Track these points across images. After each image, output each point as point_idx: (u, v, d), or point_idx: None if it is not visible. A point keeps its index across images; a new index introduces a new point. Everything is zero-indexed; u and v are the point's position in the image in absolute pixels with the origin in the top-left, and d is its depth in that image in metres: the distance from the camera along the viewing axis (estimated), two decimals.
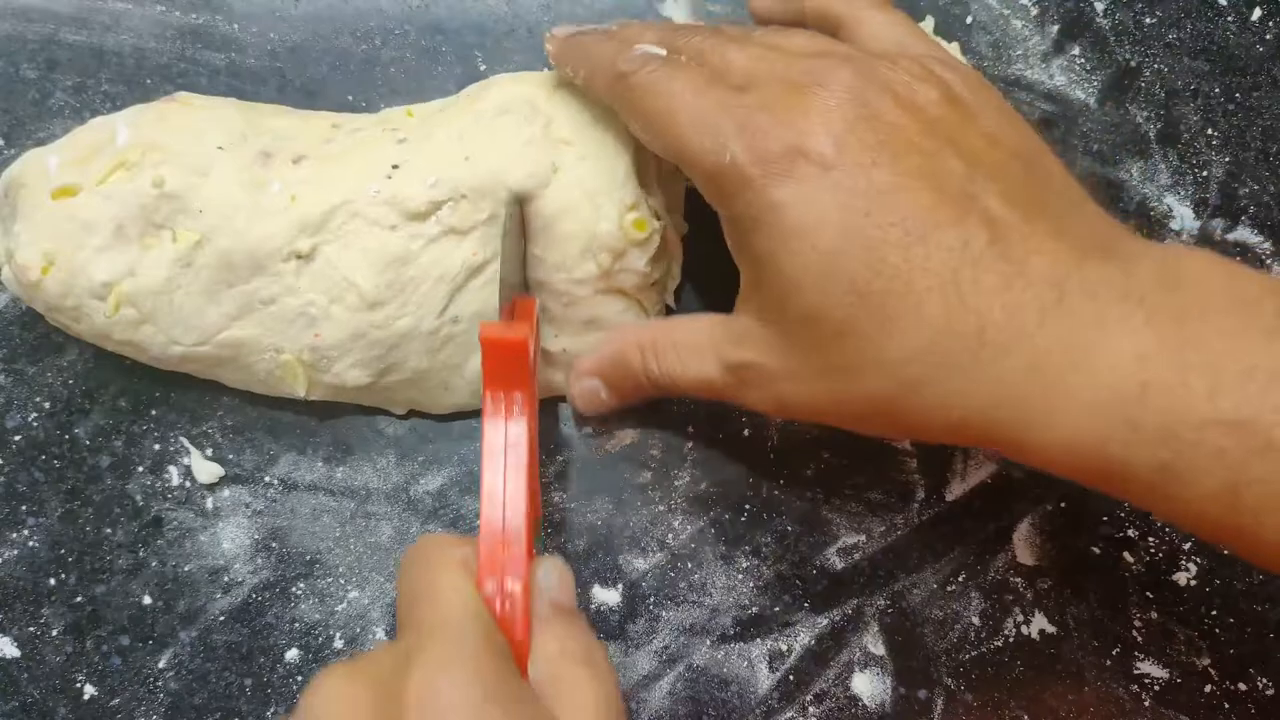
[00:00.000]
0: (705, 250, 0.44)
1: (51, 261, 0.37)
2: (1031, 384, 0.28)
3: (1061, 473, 0.29)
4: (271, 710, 0.39)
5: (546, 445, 0.41)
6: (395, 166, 0.37)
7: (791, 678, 0.40)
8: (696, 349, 0.35)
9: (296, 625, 0.40)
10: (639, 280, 0.38)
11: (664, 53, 0.35)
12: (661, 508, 0.41)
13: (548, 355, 0.40)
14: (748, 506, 0.41)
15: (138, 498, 0.40)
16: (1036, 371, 0.28)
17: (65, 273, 0.37)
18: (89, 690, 0.39)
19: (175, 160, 0.37)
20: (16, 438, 0.41)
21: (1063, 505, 0.41)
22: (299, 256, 0.37)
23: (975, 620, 0.41)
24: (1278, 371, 0.26)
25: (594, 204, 0.37)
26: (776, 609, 0.40)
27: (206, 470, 0.40)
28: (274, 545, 0.40)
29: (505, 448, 0.31)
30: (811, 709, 0.40)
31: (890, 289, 0.29)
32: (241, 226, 0.37)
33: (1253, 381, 0.26)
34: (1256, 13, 0.46)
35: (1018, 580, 0.41)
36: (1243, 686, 0.40)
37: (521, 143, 0.38)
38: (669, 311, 0.42)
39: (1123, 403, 0.27)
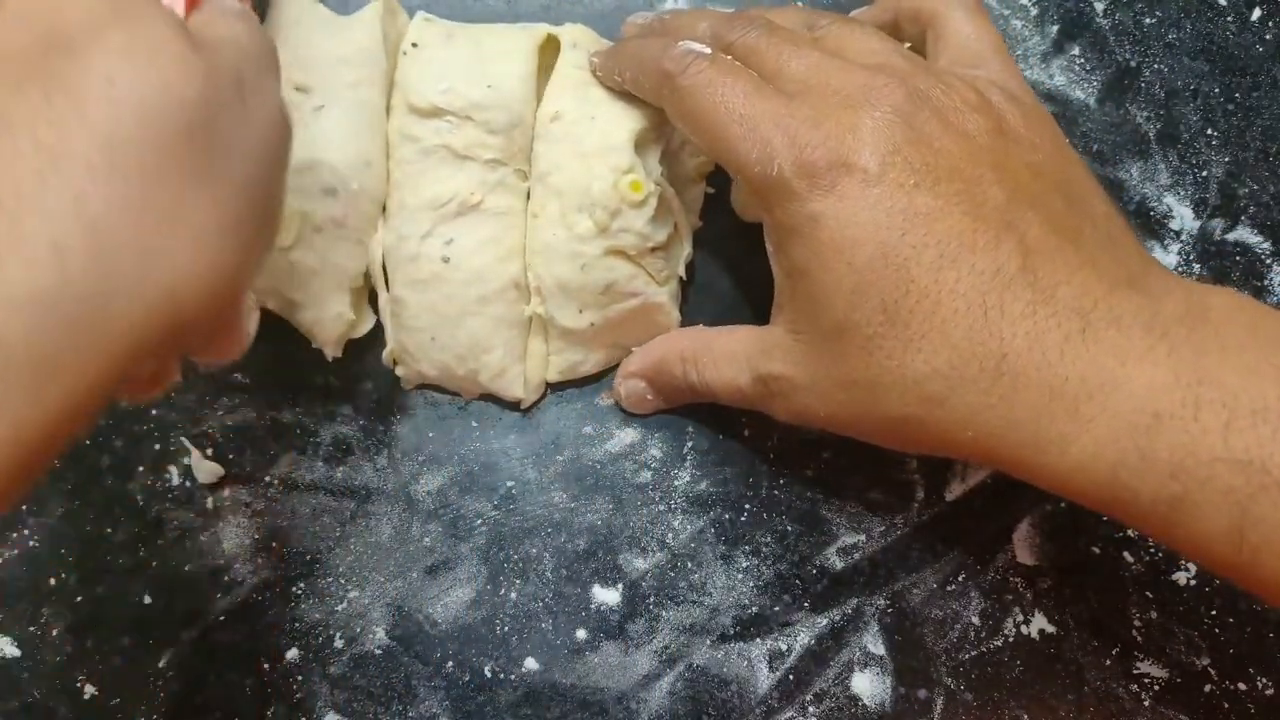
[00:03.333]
0: (725, 253, 0.43)
1: None
2: (1047, 409, 0.29)
3: (1070, 496, 0.30)
4: (271, 710, 0.39)
5: (547, 444, 0.41)
6: (414, 45, 0.39)
7: (791, 677, 0.40)
8: (731, 358, 0.36)
9: (296, 625, 0.40)
10: (638, 241, 0.38)
11: (709, 51, 0.34)
12: (661, 508, 0.41)
13: (574, 333, 0.40)
14: (748, 506, 0.41)
15: (138, 498, 0.40)
16: (1054, 398, 0.29)
17: None
18: (89, 690, 0.39)
19: None
20: None
21: (1063, 505, 0.41)
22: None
23: (975, 620, 0.41)
24: None
25: (586, 164, 0.37)
26: (776, 609, 0.40)
27: (206, 469, 0.40)
28: (274, 545, 0.40)
29: None
30: (811, 709, 0.40)
31: (918, 308, 0.30)
32: None
33: (1265, 422, 0.26)
34: (1256, 13, 0.46)
35: (1018, 580, 0.41)
36: (1243, 686, 0.40)
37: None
38: (682, 286, 0.42)
39: (1135, 433, 0.27)
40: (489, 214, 0.39)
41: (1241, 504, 0.26)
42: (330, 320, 0.39)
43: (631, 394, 0.40)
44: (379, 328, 0.41)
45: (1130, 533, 0.41)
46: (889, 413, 0.31)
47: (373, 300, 0.41)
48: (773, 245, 0.34)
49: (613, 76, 0.38)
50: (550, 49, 0.40)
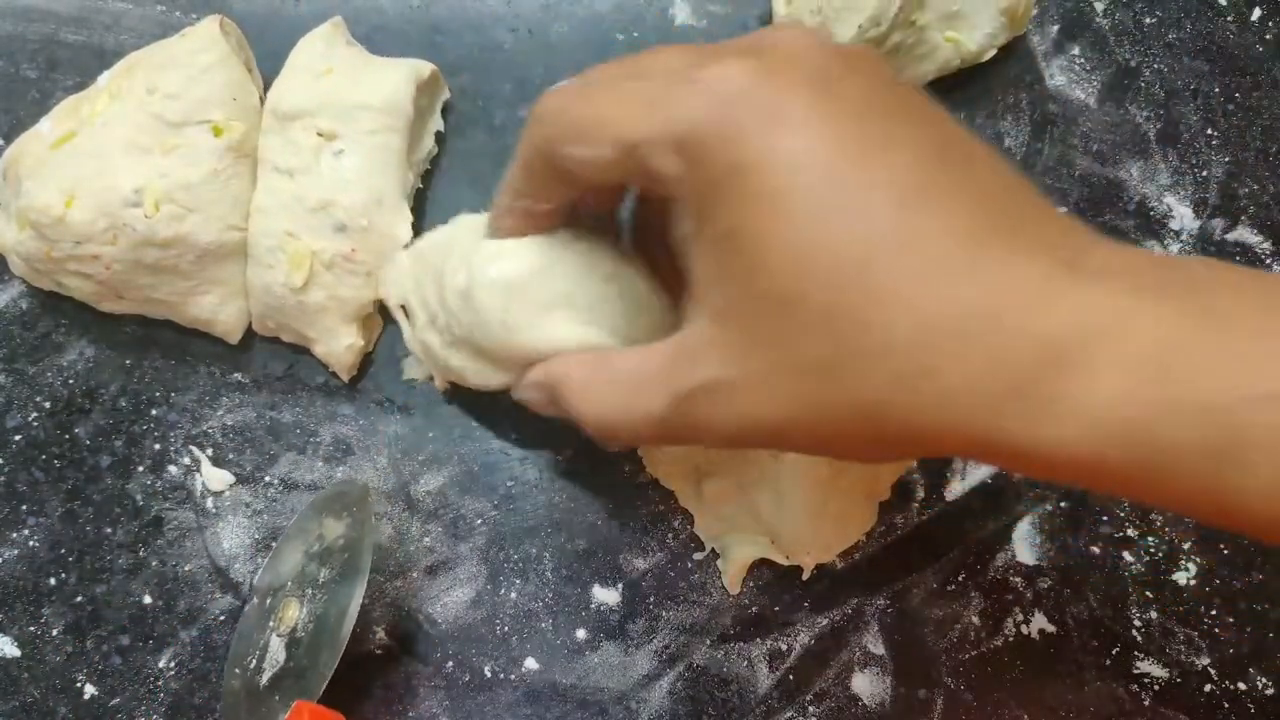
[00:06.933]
0: None
1: (72, 194, 0.37)
2: (1040, 372, 0.24)
3: (1081, 475, 0.25)
4: None
5: (548, 444, 0.41)
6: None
7: (791, 677, 0.40)
8: (638, 383, 0.29)
9: None
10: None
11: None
12: (661, 508, 0.41)
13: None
14: None
15: (138, 497, 0.40)
16: (1047, 359, 0.24)
17: (89, 197, 0.37)
18: (89, 690, 0.39)
19: (161, 70, 0.38)
20: (16, 438, 0.41)
21: (1063, 505, 0.41)
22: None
23: (975, 620, 0.40)
24: None
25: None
26: (776, 609, 0.40)
27: (217, 478, 0.40)
28: (274, 545, 0.40)
29: None
30: (811, 709, 0.40)
31: (879, 264, 0.25)
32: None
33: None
34: (1256, 13, 0.46)
35: (1018, 580, 0.41)
36: (1243, 686, 0.40)
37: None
38: None
39: (1156, 378, 0.23)
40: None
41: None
42: (343, 351, 0.40)
43: (533, 403, 0.35)
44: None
45: (1130, 533, 0.41)
46: (855, 399, 0.25)
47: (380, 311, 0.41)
48: (691, 226, 0.28)
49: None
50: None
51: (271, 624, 0.37)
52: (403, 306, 0.38)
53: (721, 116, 0.26)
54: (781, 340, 0.26)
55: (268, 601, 0.37)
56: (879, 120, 0.26)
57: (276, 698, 0.35)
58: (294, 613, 0.37)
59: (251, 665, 0.36)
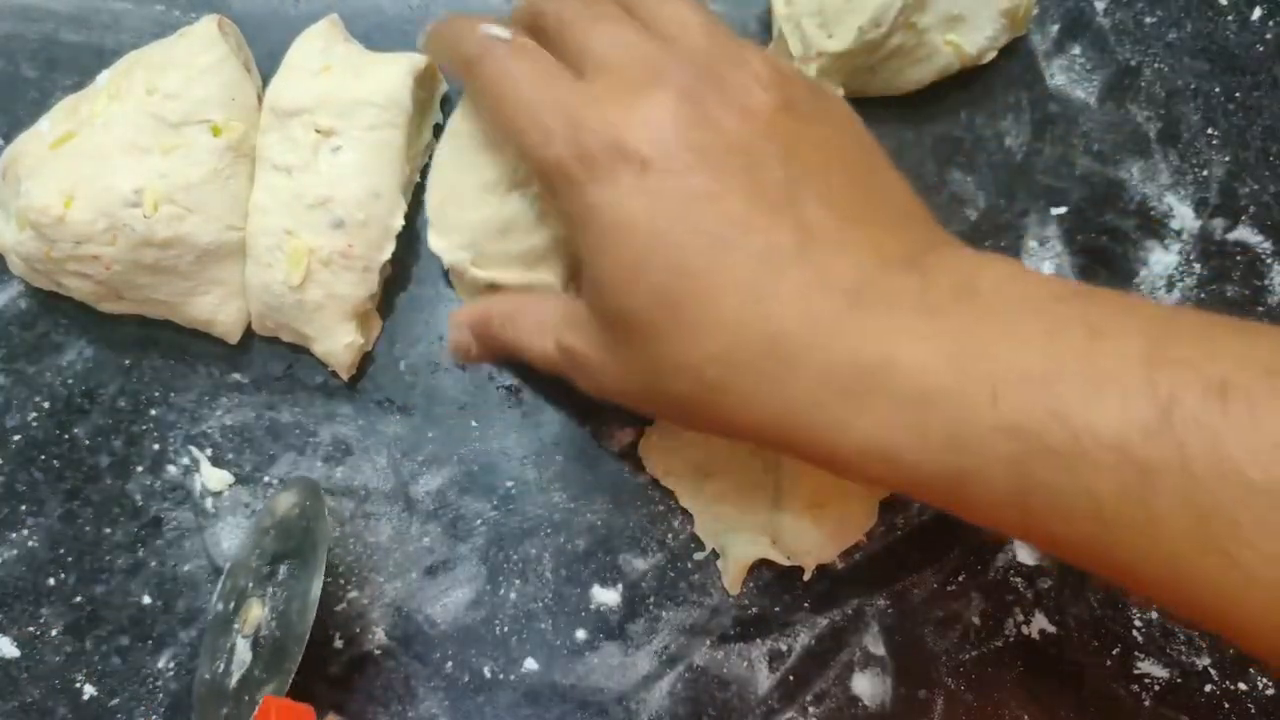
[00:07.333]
0: None
1: (71, 195, 0.37)
2: (824, 392, 0.28)
3: (861, 480, 0.30)
4: None
5: (547, 444, 0.41)
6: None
7: (791, 678, 0.40)
8: (540, 327, 0.36)
9: None
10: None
11: (507, 36, 0.34)
12: (661, 508, 0.41)
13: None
14: None
15: (137, 498, 0.40)
16: (829, 380, 0.28)
17: (89, 198, 0.37)
18: (89, 690, 0.39)
19: (160, 70, 0.38)
20: (16, 438, 0.41)
21: None
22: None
23: (975, 620, 0.40)
24: (1051, 374, 0.25)
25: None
26: (776, 609, 0.40)
27: (217, 478, 0.40)
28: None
29: None
30: (811, 709, 0.40)
31: (692, 292, 0.29)
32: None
33: (1029, 385, 0.26)
34: (1256, 12, 0.46)
35: (1018, 580, 0.41)
36: (1243, 686, 0.40)
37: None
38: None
39: (909, 411, 0.27)
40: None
41: (1019, 470, 0.26)
42: (342, 350, 0.40)
43: (457, 343, 0.39)
44: (380, 331, 0.41)
45: None
46: (676, 396, 0.31)
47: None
48: (566, 234, 0.35)
49: (439, 62, 0.39)
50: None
51: (236, 626, 0.37)
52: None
53: (582, 155, 0.31)
54: (621, 344, 0.32)
55: (230, 605, 0.38)
56: (719, 166, 0.30)
57: (246, 697, 0.35)
58: (257, 612, 0.37)
59: (220, 669, 0.37)
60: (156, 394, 0.41)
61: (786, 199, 0.30)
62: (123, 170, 0.37)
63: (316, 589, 0.35)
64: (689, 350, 0.30)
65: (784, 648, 0.40)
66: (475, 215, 0.38)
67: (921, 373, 0.27)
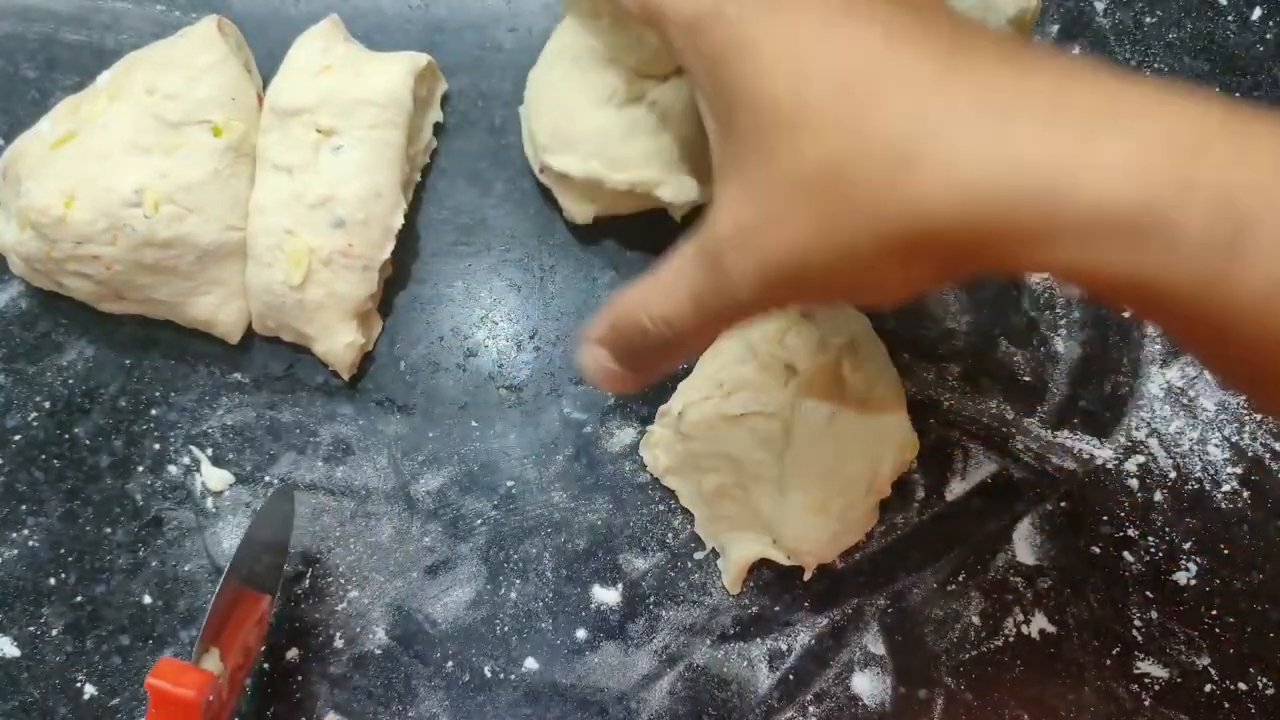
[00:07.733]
0: None
1: (72, 195, 0.37)
2: (1055, 138, 0.24)
3: (1089, 268, 0.25)
4: (271, 710, 0.39)
5: (547, 444, 0.41)
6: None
7: (791, 677, 0.40)
8: (678, 261, 0.31)
9: (296, 625, 0.40)
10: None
11: None
12: (661, 508, 0.41)
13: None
14: None
15: (137, 497, 0.40)
16: (1059, 124, 0.25)
17: (89, 198, 0.37)
18: (89, 690, 0.39)
19: (161, 71, 0.39)
20: (16, 438, 0.41)
21: (1063, 505, 0.41)
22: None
23: (975, 620, 0.41)
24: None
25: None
26: (776, 609, 0.40)
27: (217, 478, 0.40)
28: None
29: None
30: (811, 708, 0.40)
31: (870, 83, 0.27)
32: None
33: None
34: (1256, 12, 0.46)
35: (1018, 580, 0.41)
36: (1243, 686, 0.40)
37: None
38: None
39: (1175, 156, 0.24)
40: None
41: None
42: (342, 349, 0.40)
43: (593, 366, 0.34)
44: (380, 331, 0.41)
45: (1130, 532, 0.41)
46: (856, 198, 0.27)
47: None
48: (706, 84, 0.31)
49: None
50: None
51: None
52: None
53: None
54: (789, 164, 0.28)
55: None
56: None
57: None
58: None
59: None
60: (157, 394, 0.41)
61: (925, 6, 0.28)
62: (123, 170, 0.37)
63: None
64: (878, 122, 0.26)
65: (784, 647, 0.40)
66: (596, 124, 0.39)
67: (1184, 121, 0.24)
